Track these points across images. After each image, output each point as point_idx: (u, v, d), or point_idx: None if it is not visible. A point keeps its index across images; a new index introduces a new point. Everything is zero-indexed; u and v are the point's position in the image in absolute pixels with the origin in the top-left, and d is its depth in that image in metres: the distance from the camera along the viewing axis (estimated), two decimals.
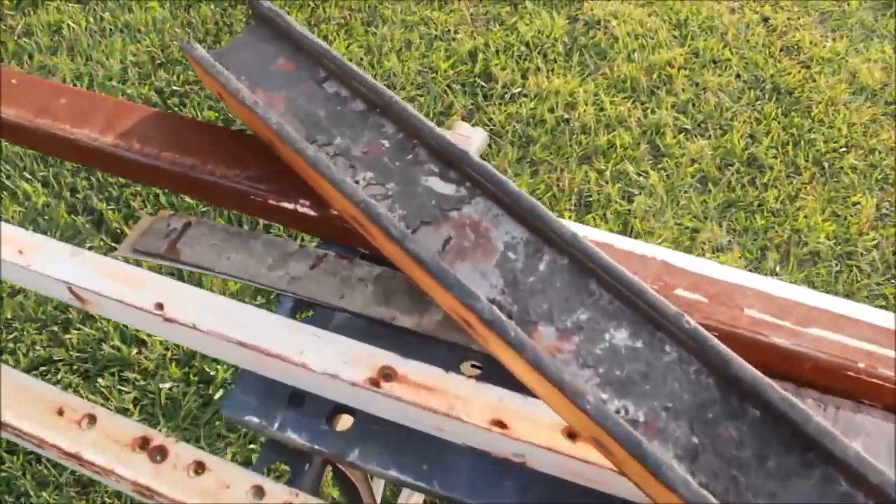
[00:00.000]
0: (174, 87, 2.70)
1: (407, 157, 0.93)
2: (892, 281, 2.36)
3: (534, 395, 0.87)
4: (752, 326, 0.93)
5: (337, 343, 0.91)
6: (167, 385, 2.01)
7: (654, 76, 2.75)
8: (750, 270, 2.33)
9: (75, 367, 2.06)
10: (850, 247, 2.42)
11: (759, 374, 0.75)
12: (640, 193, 2.45)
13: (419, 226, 0.87)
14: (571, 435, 0.87)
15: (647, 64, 2.77)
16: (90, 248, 2.30)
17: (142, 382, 2.02)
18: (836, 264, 2.38)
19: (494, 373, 0.92)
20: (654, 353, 0.78)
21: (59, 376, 2.03)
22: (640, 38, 2.85)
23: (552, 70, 2.74)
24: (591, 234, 1.00)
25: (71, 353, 2.08)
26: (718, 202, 2.45)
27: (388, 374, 0.89)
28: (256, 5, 1.08)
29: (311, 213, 1.00)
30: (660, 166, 2.52)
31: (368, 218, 0.86)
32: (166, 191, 2.32)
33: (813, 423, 0.71)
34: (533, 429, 0.87)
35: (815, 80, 2.80)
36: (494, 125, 2.59)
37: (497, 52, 2.78)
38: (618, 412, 0.75)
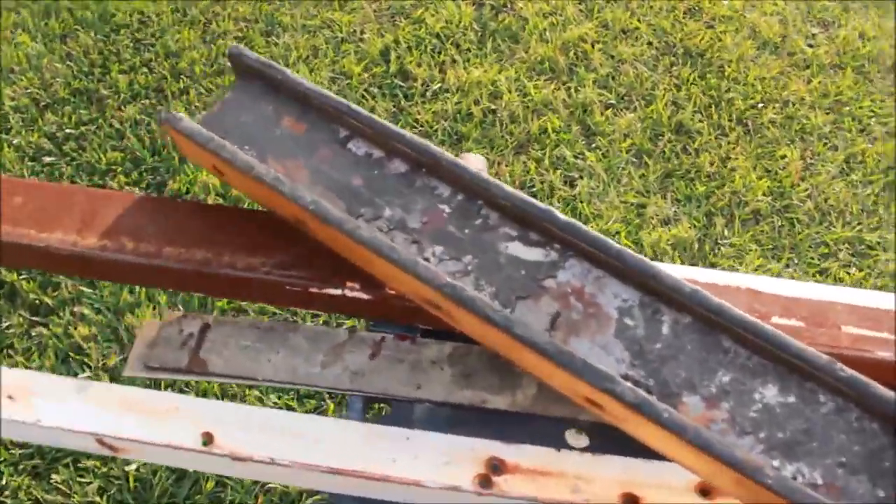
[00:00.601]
0: (67, 130, 2.45)
1: (475, 222, 0.83)
2: (831, 228, 2.42)
3: (655, 456, 0.80)
4: (855, 344, 0.89)
5: (430, 442, 0.81)
6: (133, 466, 1.83)
7: (571, 54, 2.71)
8: (700, 238, 2.35)
9: (21, 466, 1.84)
10: (786, 200, 2.46)
11: None
12: (580, 177, 2.41)
13: (515, 302, 0.77)
14: (704, 492, 0.81)
15: (561, 42, 2.72)
16: (8, 327, 2.07)
17: (103, 469, 1.83)
18: (777, 219, 2.42)
19: (603, 436, 0.85)
20: (810, 407, 0.72)
21: (3, 481, 1.82)
22: (549, 17, 2.80)
23: (468, 60, 2.65)
24: (671, 270, 0.93)
25: (12, 451, 1.86)
26: (657, 174, 2.44)
27: (496, 466, 0.80)
28: (241, 58, 0.94)
29: (364, 296, 0.88)
30: (594, 146, 2.49)
31: (457, 302, 0.76)
32: None
33: None
34: (668, 494, 0.80)
35: (721, 40, 2.82)
36: (421, 126, 2.48)
37: (409, 48, 2.66)
38: (795, 478, 0.69)
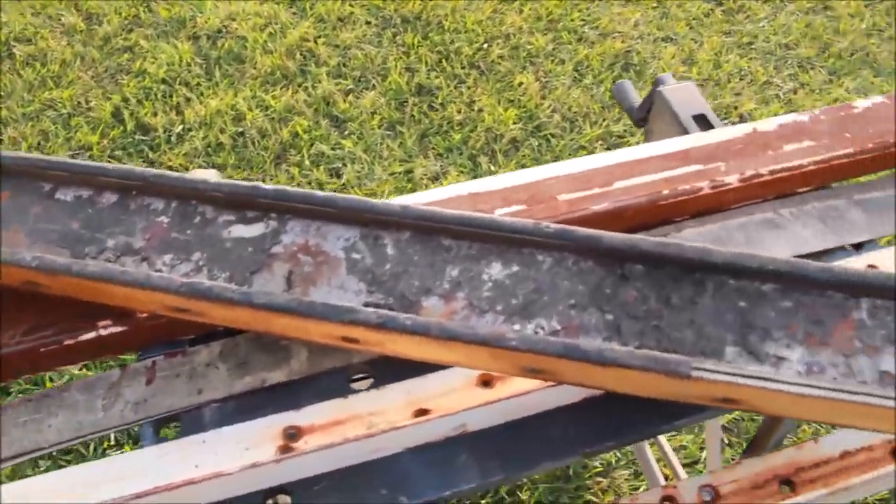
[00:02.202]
0: None
1: (194, 221, 0.85)
2: (582, 132, 2.60)
3: (435, 369, 0.87)
4: (572, 208, 0.99)
5: (226, 436, 0.83)
6: None
7: (298, 56, 2.75)
8: (469, 179, 2.47)
9: None
10: (535, 121, 2.62)
11: (623, 235, 0.80)
12: (344, 165, 2.46)
13: (251, 277, 0.81)
14: (486, 382, 0.88)
15: (285, 48, 2.76)
16: None
17: None
18: (534, 140, 2.58)
19: (386, 372, 0.90)
20: (533, 269, 0.80)
21: None
22: (265, 29, 2.83)
23: (202, 94, 2.64)
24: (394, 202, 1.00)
25: None
26: (413, 138, 2.54)
27: (292, 434, 0.84)
28: None
29: (120, 328, 0.89)
30: (347, 132, 2.55)
31: (197, 297, 0.79)
32: None
33: (687, 248, 0.77)
34: (452, 398, 0.86)
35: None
36: (178, 170, 2.45)
37: (140, 101, 2.62)
38: (536, 333, 0.76)
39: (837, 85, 2.87)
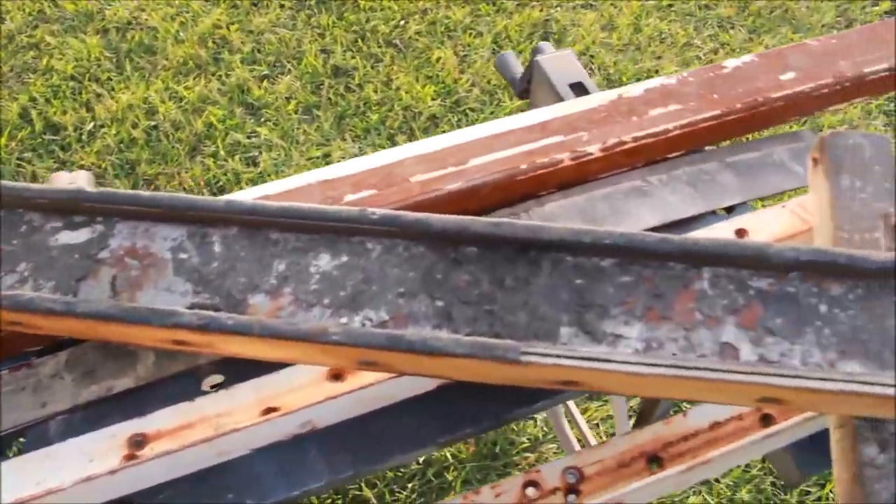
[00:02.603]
0: None
1: (21, 229, 0.82)
2: (501, 104, 2.59)
3: (283, 366, 0.85)
4: (425, 189, 0.97)
5: (70, 449, 0.81)
6: None
7: (210, 44, 2.70)
8: None
9: None
10: (454, 96, 2.60)
11: (455, 217, 0.78)
12: (260, 153, 2.43)
13: (77, 285, 0.79)
14: (336, 376, 0.86)
15: (197, 37, 2.70)
16: None
17: None
18: (452, 116, 2.55)
19: (238, 371, 0.88)
20: (362, 258, 0.78)
21: None
22: (176, 18, 2.77)
23: (113, 89, 2.58)
24: (245, 195, 0.98)
25: None
26: (330, 121, 2.51)
27: (138, 441, 0.82)
28: None
29: None
30: (263, 119, 2.51)
31: (20, 310, 0.76)
32: None
33: (520, 227, 0.76)
34: (301, 394, 0.85)
35: None
36: (90, 169, 2.40)
37: (48, 100, 2.55)
38: (363, 325, 0.75)
39: (758, 43, 2.88)
